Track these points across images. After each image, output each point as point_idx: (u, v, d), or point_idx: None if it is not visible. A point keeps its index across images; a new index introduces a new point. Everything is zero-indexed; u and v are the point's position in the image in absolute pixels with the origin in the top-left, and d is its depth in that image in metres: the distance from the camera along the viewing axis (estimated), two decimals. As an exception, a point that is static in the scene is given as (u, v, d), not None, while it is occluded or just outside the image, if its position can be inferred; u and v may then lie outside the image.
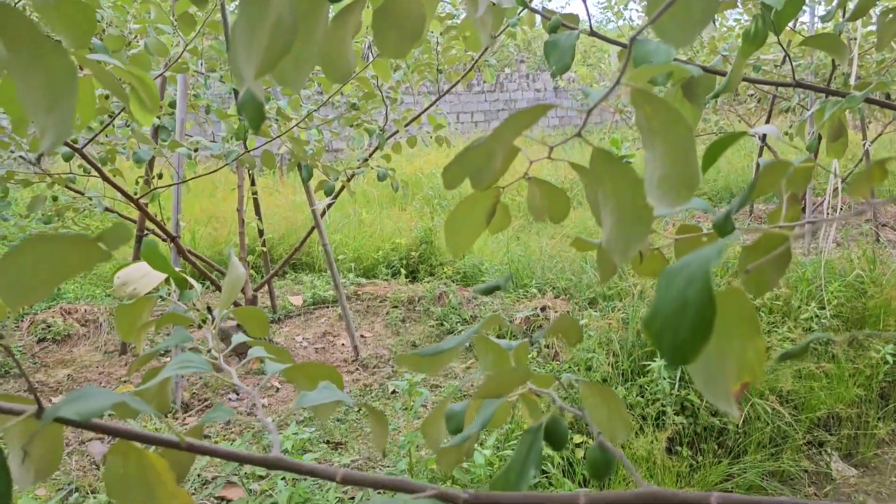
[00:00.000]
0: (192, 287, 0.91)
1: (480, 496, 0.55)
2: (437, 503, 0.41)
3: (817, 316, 3.87)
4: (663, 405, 3.18)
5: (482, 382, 0.70)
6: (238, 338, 0.88)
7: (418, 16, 0.69)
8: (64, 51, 0.48)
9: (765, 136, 5.58)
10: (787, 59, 1.39)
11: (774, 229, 0.58)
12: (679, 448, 3.11)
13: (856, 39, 3.76)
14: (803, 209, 5.42)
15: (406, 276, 5.24)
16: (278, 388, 3.71)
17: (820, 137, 1.53)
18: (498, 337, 1.19)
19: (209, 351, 0.86)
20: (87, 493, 2.61)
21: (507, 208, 0.86)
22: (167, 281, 1.01)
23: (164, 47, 2.08)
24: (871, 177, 0.44)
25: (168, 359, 3.78)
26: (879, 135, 6.28)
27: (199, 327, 0.87)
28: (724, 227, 0.58)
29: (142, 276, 0.91)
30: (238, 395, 3.64)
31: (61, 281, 0.55)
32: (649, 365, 3.33)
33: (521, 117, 0.58)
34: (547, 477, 2.77)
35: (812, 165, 0.62)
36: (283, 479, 2.47)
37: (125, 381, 3.71)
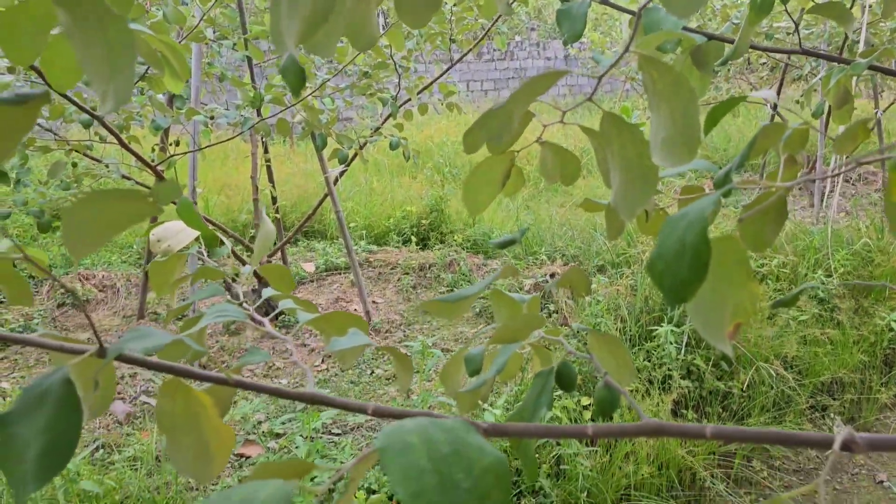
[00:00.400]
0: (223, 244, 0.96)
1: (498, 426, 0.61)
2: (463, 423, 0.47)
3: (824, 283, 3.91)
4: (669, 369, 3.24)
5: (498, 328, 0.76)
6: (267, 291, 0.94)
7: (438, -14, 0.73)
8: (125, 21, 0.53)
9: (776, 105, 5.56)
10: (796, 27, 1.42)
11: (770, 186, 0.63)
12: (684, 411, 3.19)
13: (869, 7, 3.74)
14: (812, 180, 5.41)
15: (417, 244, 5.29)
16: (293, 353, 3.80)
17: (831, 109, 1.56)
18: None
19: (241, 304, 0.92)
20: (113, 450, 2.72)
21: (520, 171, 0.91)
22: (196, 240, 1.07)
23: (182, 16, 2.12)
24: (855, 136, 0.48)
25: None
26: (892, 103, 6.24)
27: (233, 279, 0.93)
28: (723, 184, 0.63)
29: (176, 233, 0.97)
30: (254, 358, 3.73)
31: (118, 232, 0.61)
32: (656, 330, 3.39)
33: (536, 82, 0.63)
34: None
35: (808, 129, 0.67)
36: (301, 436, 2.56)
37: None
